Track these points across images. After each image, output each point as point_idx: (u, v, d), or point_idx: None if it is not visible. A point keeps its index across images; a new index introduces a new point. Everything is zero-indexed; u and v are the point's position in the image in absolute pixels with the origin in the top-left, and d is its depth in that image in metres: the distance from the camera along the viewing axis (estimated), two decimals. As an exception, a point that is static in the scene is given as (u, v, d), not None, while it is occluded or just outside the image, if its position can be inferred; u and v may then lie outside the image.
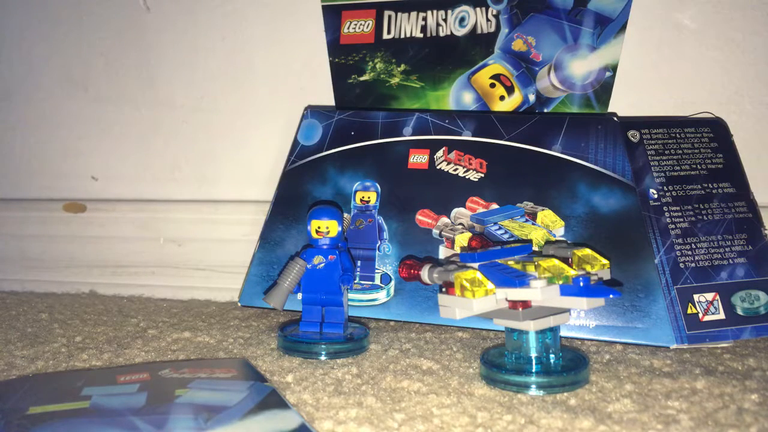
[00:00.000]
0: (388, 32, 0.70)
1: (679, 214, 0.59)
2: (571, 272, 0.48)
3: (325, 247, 0.58)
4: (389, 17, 0.70)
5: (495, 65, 0.68)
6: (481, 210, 0.62)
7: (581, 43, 0.65)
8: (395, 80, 0.71)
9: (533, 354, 0.49)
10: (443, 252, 0.63)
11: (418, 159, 0.66)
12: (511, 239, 0.59)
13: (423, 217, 0.64)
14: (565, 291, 0.47)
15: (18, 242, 0.85)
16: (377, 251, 0.65)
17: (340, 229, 0.58)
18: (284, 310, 0.62)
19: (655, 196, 0.59)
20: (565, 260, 0.51)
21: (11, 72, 0.85)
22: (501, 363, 0.50)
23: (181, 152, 0.82)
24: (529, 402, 0.45)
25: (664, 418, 0.43)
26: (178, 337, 0.61)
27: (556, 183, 0.61)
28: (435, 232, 0.63)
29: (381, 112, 0.68)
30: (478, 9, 0.68)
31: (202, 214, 0.80)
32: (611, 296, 0.46)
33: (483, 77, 0.69)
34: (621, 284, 0.57)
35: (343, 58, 0.72)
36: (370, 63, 0.71)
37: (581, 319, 0.57)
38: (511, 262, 0.49)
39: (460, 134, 0.65)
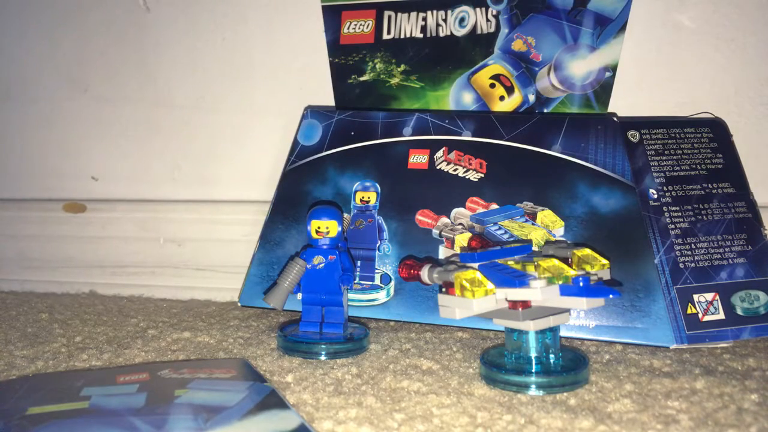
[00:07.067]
0: (388, 32, 0.70)
1: (679, 214, 0.59)
2: (571, 272, 0.48)
3: (325, 247, 0.58)
4: (389, 17, 0.70)
5: (495, 65, 0.68)
6: (480, 210, 0.62)
7: (581, 44, 0.65)
8: (395, 80, 0.71)
9: (533, 354, 0.49)
10: (443, 252, 0.63)
11: (418, 159, 0.66)
12: (511, 239, 0.59)
13: (423, 217, 0.64)
14: (565, 291, 0.47)
15: (18, 242, 0.85)
16: (377, 251, 0.65)
17: (340, 229, 0.58)
18: (284, 310, 0.62)
19: (655, 196, 0.59)
20: (565, 260, 0.51)
21: (11, 72, 0.85)
22: (501, 363, 0.50)
23: (181, 152, 0.82)
24: (529, 402, 0.45)
25: (664, 418, 0.43)
26: (178, 337, 0.61)
27: (556, 183, 0.61)
28: (435, 232, 0.63)
29: (381, 112, 0.68)
30: (478, 9, 0.68)
31: (202, 214, 0.80)
32: (611, 296, 0.46)
33: (483, 77, 0.69)
34: (621, 284, 0.57)
35: (343, 58, 0.72)
36: (370, 63, 0.71)
37: (581, 319, 0.57)
38: (511, 262, 0.49)
39: (460, 134, 0.65)
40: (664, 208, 0.59)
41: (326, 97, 0.75)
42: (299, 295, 0.58)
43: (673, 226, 0.58)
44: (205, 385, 0.47)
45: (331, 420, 0.43)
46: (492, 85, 0.68)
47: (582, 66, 0.65)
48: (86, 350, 0.58)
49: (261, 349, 0.58)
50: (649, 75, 0.69)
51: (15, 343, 0.61)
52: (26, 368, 0.54)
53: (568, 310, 0.50)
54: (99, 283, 0.83)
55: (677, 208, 0.59)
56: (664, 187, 0.60)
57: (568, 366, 0.49)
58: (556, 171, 0.61)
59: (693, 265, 0.57)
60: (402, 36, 0.70)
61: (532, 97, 0.67)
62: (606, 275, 0.51)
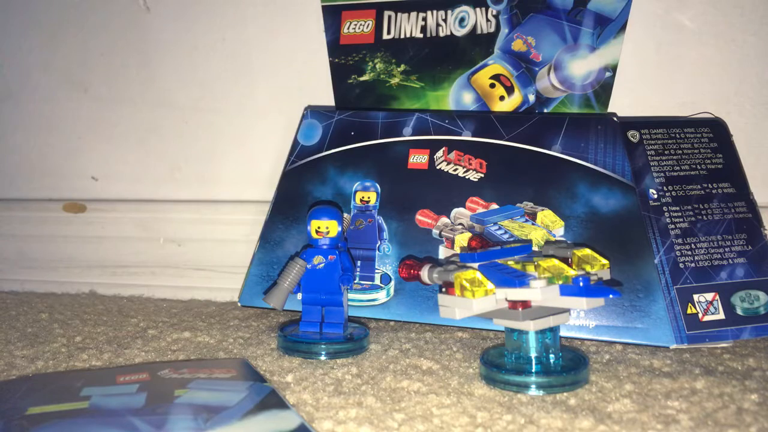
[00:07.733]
0: (388, 32, 0.70)
1: (679, 214, 0.59)
2: (571, 272, 0.48)
3: (324, 247, 0.58)
4: (389, 17, 0.70)
5: (495, 65, 0.68)
6: (480, 210, 0.62)
7: (581, 44, 0.65)
8: (395, 80, 0.71)
9: (533, 354, 0.49)
10: (443, 252, 0.63)
11: (418, 159, 0.66)
12: (511, 239, 0.59)
13: (423, 217, 0.64)
14: (565, 291, 0.47)
15: (18, 242, 0.85)
16: (377, 251, 0.65)
17: (339, 229, 0.58)
18: (284, 310, 0.63)
19: (655, 196, 0.59)
20: (565, 260, 0.51)
21: (12, 72, 0.85)
22: (501, 363, 0.50)
23: (181, 152, 0.82)
24: (529, 402, 0.45)
25: (664, 418, 0.43)
26: (178, 337, 0.61)
27: (556, 183, 0.61)
28: (435, 232, 0.63)
29: (381, 112, 0.68)
30: (478, 9, 0.68)
31: (202, 214, 0.80)
32: (611, 296, 0.46)
33: (483, 77, 0.69)
34: (621, 284, 0.57)
35: (343, 58, 0.72)
36: (370, 63, 0.71)
37: (581, 319, 0.57)
38: (511, 262, 0.49)
39: (460, 134, 0.65)
40: (664, 208, 0.59)
41: (326, 97, 0.75)
42: (299, 295, 0.58)
43: (673, 226, 0.58)
44: (205, 385, 0.47)
45: (331, 420, 0.43)
46: (492, 85, 0.68)
47: (582, 66, 0.65)
48: (86, 350, 0.58)
49: (261, 349, 0.58)
50: (649, 75, 0.69)
51: (15, 343, 0.61)
52: (26, 368, 0.54)
53: (568, 310, 0.50)
54: (99, 283, 0.83)
55: (677, 208, 0.59)
56: (664, 187, 0.60)
57: (568, 366, 0.49)
58: (556, 171, 0.61)
59: (693, 265, 0.57)
60: (402, 36, 0.70)
61: (532, 97, 0.67)
62: (606, 275, 0.51)
